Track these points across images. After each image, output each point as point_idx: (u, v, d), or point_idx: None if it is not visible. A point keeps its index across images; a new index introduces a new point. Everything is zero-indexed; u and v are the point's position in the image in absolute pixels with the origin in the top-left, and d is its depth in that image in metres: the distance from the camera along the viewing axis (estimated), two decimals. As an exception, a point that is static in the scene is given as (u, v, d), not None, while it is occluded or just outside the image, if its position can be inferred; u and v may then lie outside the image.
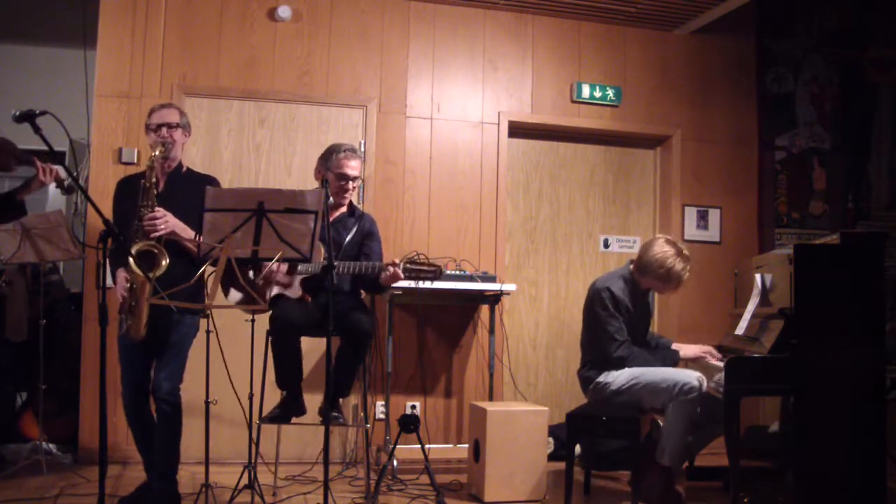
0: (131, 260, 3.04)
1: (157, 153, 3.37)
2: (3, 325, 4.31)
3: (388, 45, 5.00)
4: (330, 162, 3.87)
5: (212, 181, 3.52)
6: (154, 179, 3.33)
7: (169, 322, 3.35)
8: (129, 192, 3.42)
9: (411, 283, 3.91)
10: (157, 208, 3.29)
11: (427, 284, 3.81)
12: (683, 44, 5.46)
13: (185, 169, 3.60)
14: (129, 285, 3.23)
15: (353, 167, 3.87)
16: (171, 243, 3.28)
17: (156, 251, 3.17)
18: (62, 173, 3.83)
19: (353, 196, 3.98)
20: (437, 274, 3.53)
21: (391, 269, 3.55)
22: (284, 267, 3.63)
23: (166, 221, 3.28)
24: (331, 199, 3.62)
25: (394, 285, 4.24)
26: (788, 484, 3.88)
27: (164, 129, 3.46)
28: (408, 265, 3.53)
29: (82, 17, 4.92)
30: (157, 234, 3.24)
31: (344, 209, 3.96)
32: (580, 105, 5.27)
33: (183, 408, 3.42)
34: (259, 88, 4.77)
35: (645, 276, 4.00)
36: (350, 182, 3.88)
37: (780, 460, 4.24)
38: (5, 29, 5.47)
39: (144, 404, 3.46)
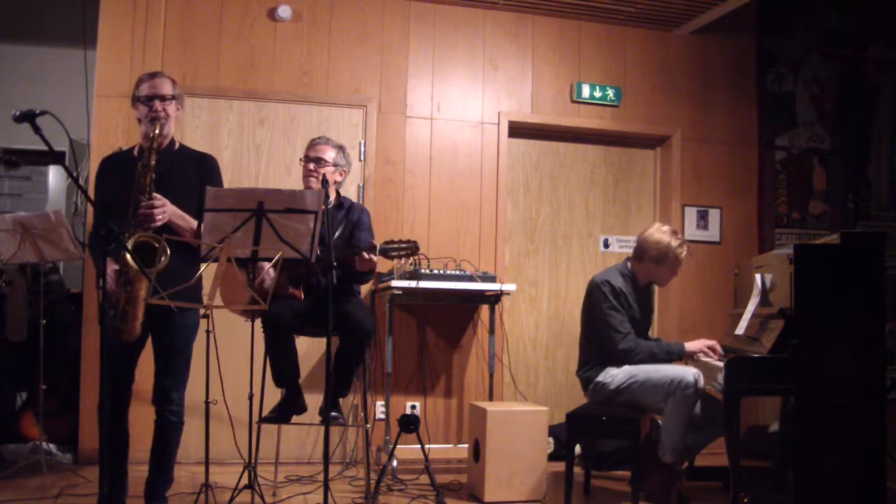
0: (128, 254, 2.76)
1: (156, 132, 3.04)
2: (3, 325, 4.30)
3: (388, 45, 5.00)
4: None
5: (207, 158, 3.30)
6: (152, 163, 2.99)
7: (169, 323, 3.12)
8: (115, 171, 3.16)
9: (407, 281, 3.85)
10: (155, 195, 2.99)
11: (409, 262, 3.95)
12: (683, 44, 5.46)
13: (177, 146, 3.28)
14: (122, 280, 2.91)
15: (316, 150, 3.85)
16: (166, 232, 2.97)
17: (156, 245, 2.86)
18: None
19: (317, 182, 3.79)
20: (414, 249, 3.50)
21: (365, 255, 3.48)
22: (272, 273, 3.46)
23: (164, 211, 3.00)
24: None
25: (393, 283, 4.26)
26: (788, 484, 3.88)
27: (156, 102, 3.12)
28: (383, 245, 3.51)
29: (82, 17, 4.92)
30: (155, 224, 2.97)
31: (331, 202, 3.88)
32: (580, 105, 5.27)
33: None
34: (259, 88, 4.77)
35: (641, 261, 4.02)
36: (312, 164, 3.83)
37: (780, 460, 4.23)
38: (5, 29, 5.46)
39: (125, 413, 3.19)
